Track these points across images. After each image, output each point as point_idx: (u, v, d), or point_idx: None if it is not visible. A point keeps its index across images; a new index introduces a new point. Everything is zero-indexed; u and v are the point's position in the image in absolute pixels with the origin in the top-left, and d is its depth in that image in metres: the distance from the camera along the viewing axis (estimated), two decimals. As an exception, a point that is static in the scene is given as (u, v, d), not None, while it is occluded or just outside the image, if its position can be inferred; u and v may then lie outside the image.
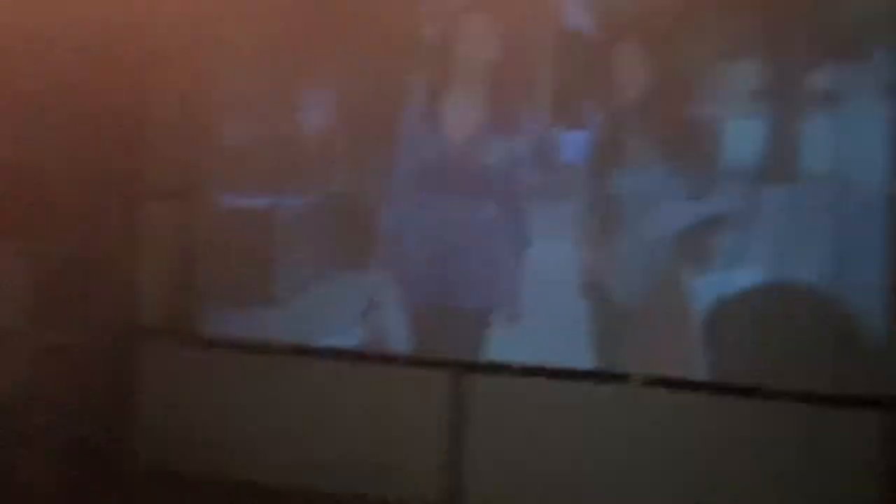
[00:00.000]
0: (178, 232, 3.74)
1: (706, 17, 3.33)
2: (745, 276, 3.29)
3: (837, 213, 3.19)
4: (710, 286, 3.34)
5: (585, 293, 3.47)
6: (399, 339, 3.67)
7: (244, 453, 3.66)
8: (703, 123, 3.32)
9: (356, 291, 3.68)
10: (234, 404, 3.69)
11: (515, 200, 3.50)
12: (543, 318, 3.47)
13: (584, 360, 3.47)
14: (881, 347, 3.17)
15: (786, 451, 3.26)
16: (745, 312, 3.29)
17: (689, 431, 3.35)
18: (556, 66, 3.46)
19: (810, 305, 3.23)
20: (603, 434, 3.43)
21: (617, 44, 3.39)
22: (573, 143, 3.47)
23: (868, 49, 3.17)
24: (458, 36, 3.53)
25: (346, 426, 3.65)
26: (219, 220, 3.74)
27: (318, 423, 3.66)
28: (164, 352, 3.78)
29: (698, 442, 3.34)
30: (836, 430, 3.22)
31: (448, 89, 3.56)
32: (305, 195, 3.70)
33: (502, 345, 3.55)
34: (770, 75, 3.28)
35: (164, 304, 3.77)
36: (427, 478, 3.59)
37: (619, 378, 3.42)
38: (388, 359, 3.67)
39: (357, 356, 3.68)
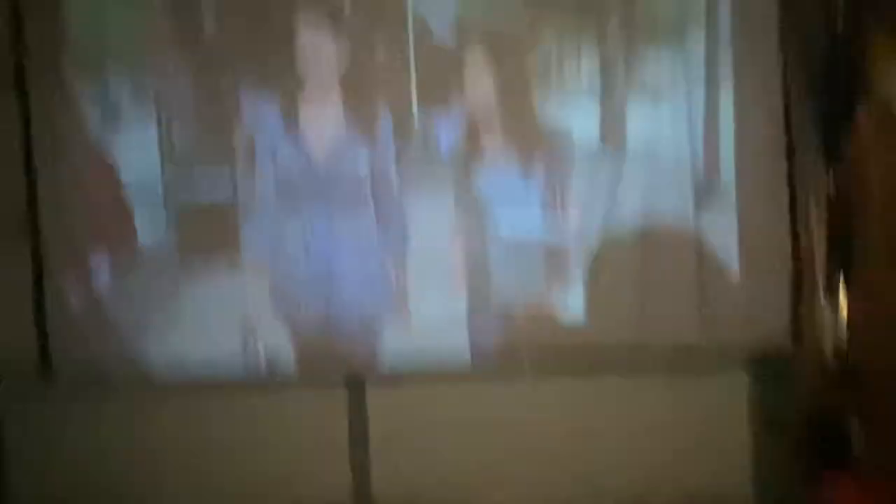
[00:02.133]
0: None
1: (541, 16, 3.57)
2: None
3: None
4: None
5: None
6: (287, 360, 3.61)
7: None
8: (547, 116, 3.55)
9: (233, 313, 3.60)
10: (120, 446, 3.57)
11: (389, 202, 3.56)
12: (432, 318, 3.56)
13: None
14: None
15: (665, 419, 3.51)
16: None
17: (581, 415, 3.54)
18: (415, 70, 3.55)
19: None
20: (502, 429, 3.53)
21: (467, 50, 3.56)
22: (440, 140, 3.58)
23: (685, 41, 3.56)
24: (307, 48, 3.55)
25: (243, 459, 3.57)
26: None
27: (212, 459, 3.56)
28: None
29: (592, 424, 3.52)
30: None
31: (303, 102, 3.58)
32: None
33: (396, 350, 3.58)
34: (599, 64, 3.55)
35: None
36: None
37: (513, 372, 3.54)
38: (277, 383, 3.59)
39: (244, 385, 3.58)
